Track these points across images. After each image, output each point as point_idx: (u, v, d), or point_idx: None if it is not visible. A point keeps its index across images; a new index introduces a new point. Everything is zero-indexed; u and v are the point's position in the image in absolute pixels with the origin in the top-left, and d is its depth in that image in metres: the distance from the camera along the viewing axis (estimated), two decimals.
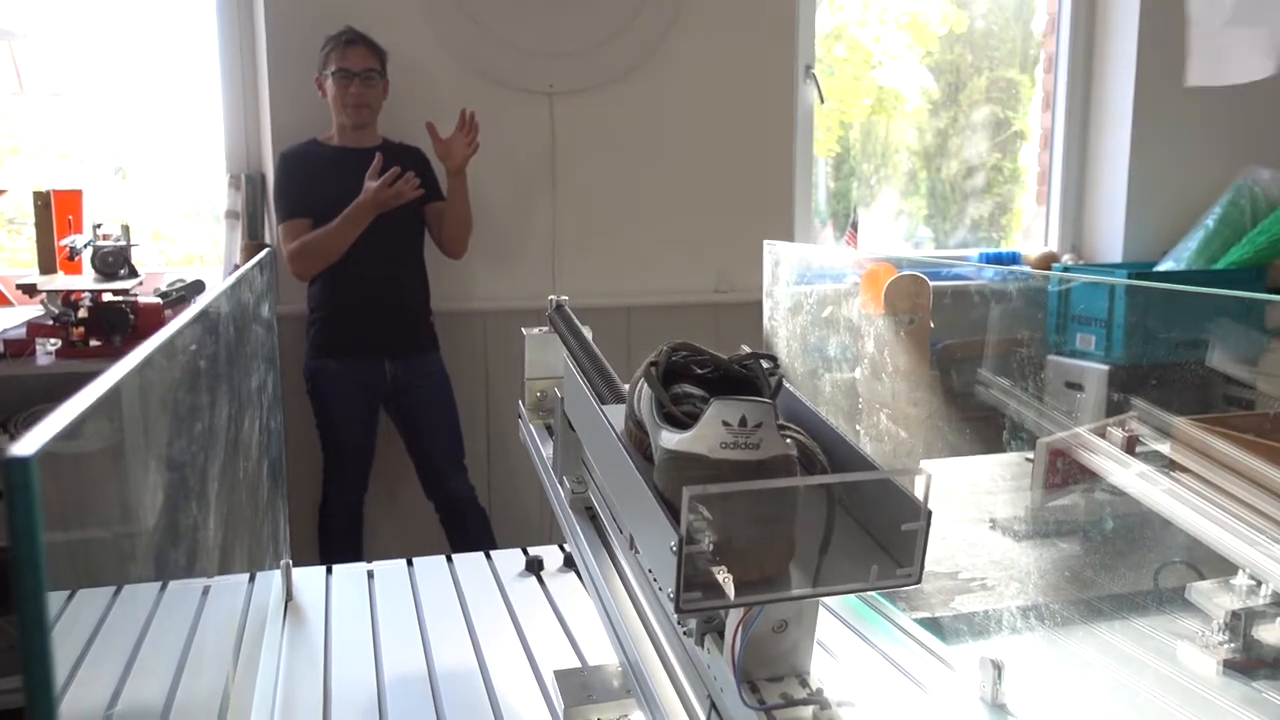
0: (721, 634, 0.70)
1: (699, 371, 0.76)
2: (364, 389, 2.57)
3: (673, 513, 0.62)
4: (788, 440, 0.66)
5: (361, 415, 2.60)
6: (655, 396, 0.72)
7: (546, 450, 1.21)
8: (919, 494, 0.63)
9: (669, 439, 0.68)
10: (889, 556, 0.66)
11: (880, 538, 0.68)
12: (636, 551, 0.81)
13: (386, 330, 2.55)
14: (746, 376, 0.74)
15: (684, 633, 0.76)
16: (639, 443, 0.80)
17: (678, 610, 0.61)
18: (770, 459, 0.63)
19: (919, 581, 0.65)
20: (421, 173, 2.58)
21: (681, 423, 0.68)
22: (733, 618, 0.66)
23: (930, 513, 0.63)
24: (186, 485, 0.73)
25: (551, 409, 1.19)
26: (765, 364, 0.74)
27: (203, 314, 0.74)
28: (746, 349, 0.78)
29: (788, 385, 0.82)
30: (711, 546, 0.61)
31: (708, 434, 0.64)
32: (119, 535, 0.63)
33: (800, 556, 0.65)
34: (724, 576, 0.62)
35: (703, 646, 0.73)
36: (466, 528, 2.67)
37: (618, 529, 0.95)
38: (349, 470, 2.61)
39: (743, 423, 0.63)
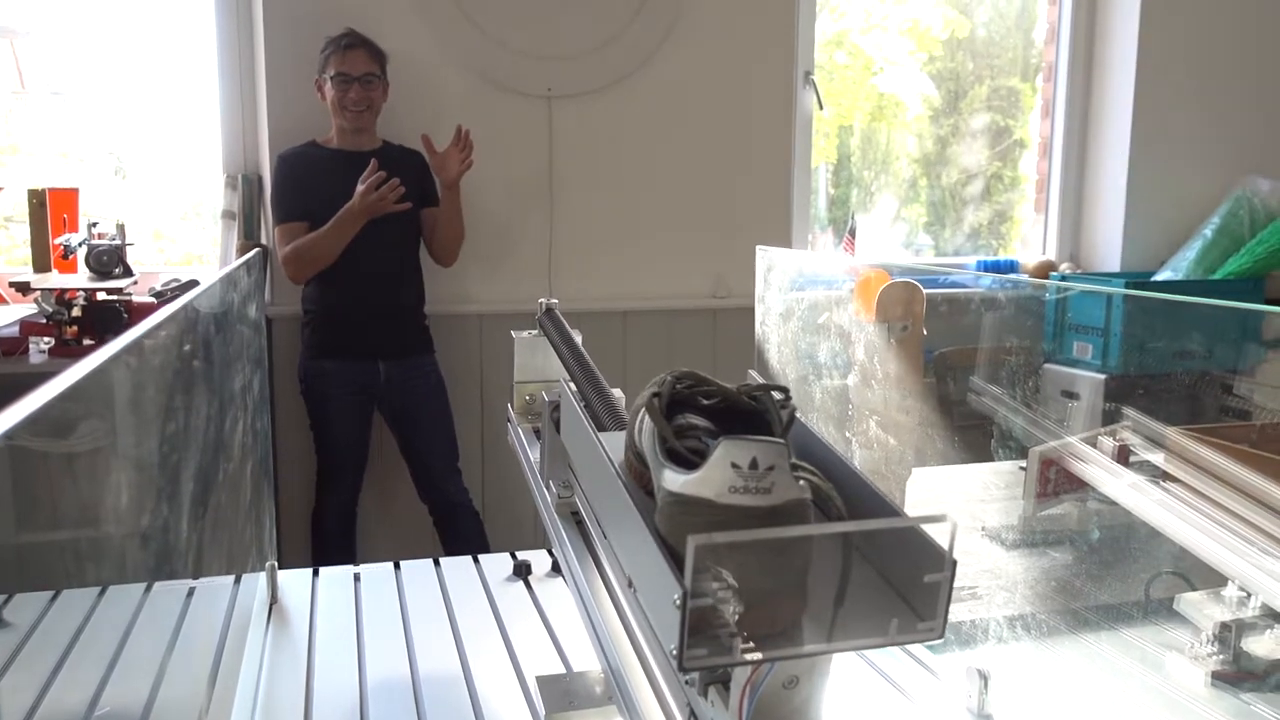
0: (727, 685, 0.64)
1: (704, 402, 0.71)
2: (358, 390, 2.56)
3: (676, 561, 0.58)
4: (801, 483, 0.62)
5: (355, 417, 2.59)
6: (658, 431, 0.68)
7: (534, 454, 1.20)
8: (944, 542, 0.58)
9: (673, 480, 0.63)
10: (909, 608, 0.62)
11: (900, 588, 0.64)
12: (634, 589, 0.77)
13: (381, 332, 2.55)
14: (755, 409, 0.69)
15: (685, 682, 0.71)
16: (639, 476, 0.75)
17: (681, 669, 0.57)
18: (783, 504, 0.58)
19: (941, 636, 0.60)
20: (420, 177, 2.57)
21: (687, 461, 0.64)
22: (740, 672, 0.61)
23: (955, 562, 0.58)
24: (160, 485, 0.72)
25: (540, 413, 1.19)
26: (777, 395, 0.69)
27: (181, 312, 0.74)
28: (756, 377, 0.74)
29: (800, 418, 0.75)
30: (718, 599, 0.56)
31: (715, 476, 0.59)
32: (92, 536, 0.62)
33: (813, 607, 0.61)
34: (731, 631, 0.57)
35: (705, 698, 0.66)
36: (460, 531, 2.66)
37: (607, 546, 0.93)
38: (342, 473, 2.60)
39: (753, 465, 0.58)
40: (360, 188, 2.41)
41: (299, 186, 2.53)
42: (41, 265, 2.49)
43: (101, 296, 2.38)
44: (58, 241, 2.46)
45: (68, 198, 2.54)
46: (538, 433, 1.21)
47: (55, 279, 2.44)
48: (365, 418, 2.61)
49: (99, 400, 0.59)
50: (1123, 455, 1.40)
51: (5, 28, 2.77)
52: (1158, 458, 1.35)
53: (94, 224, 2.47)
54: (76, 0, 2.82)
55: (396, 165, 2.50)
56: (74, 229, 2.51)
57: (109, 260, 2.39)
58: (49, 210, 2.49)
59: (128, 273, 2.42)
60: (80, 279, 2.41)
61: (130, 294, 2.42)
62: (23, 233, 2.59)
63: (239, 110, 2.78)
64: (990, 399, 1.55)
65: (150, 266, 2.84)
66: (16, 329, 2.35)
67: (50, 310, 2.35)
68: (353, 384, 2.55)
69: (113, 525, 0.64)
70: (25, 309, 2.47)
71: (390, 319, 2.57)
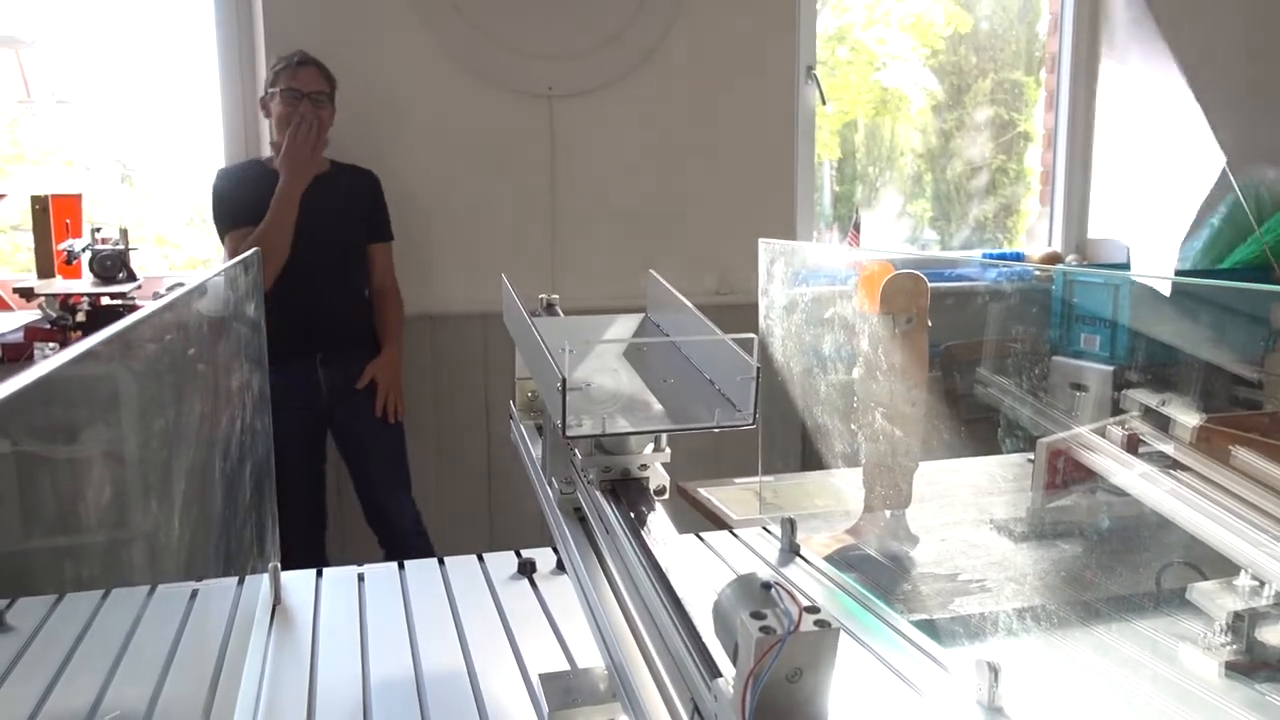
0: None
1: None
2: (302, 406, 2.44)
3: None
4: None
5: (301, 433, 2.46)
6: None
7: (536, 450, 1.20)
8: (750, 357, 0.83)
9: None
10: (730, 402, 0.86)
11: (724, 389, 0.89)
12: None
13: (328, 364, 2.47)
14: None
15: None
16: None
17: (564, 437, 0.81)
18: None
19: (753, 424, 0.83)
20: (370, 204, 2.52)
21: None
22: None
23: (760, 369, 0.81)
24: (156, 485, 0.71)
25: (542, 409, 1.18)
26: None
27: (168, 308, 0.73)
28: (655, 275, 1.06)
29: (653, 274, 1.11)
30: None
31: None
32: (90, 540, 0.61)
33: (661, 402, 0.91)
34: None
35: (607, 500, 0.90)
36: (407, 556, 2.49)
37: (609, 541, 0.93)
38: (295, 505, 2.38)
39: None
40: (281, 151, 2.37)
41: (241, 198, 2.44)
42: (45, 271, 2.49)
43: (106, 301, 2.38)
44: (61, 247, 2.46)
45: (71, 203, 2.54)
46: (540, 429, 1.21)
47: (59, 284, 2.44)
48: (312, 442, 2.50)
49: (83, 397, 0.58)
50: (1132, 445, 1.39)
51: (10, 38, 2.78)
52: (1168, 447, 1.34)
53: (97, 229, 2.47)
54: (80, 10, 2.82)
55: (345, 185, 2.45)
56: (77, 234, 2.52)
57: (113, 265, 2.39)
58: (52, 216, 2.49)
59: (131, 277, 2.42)
60: (84, 284, 2.41)
61: (134, 299, 2.42)
62: (29, 240, 2.59)
63: (240, 115, 2.78)
64: (998, 391, 1.54)
65: (154, 271, 2.84)
66: (21, 335, 2.35)
67: (54, 315, 2.35)
68: (296, 394, 2.39)
69: (110, 528, 0.64)
70: (30, 315, 2.48)
71: (333, 351, 2.47)
